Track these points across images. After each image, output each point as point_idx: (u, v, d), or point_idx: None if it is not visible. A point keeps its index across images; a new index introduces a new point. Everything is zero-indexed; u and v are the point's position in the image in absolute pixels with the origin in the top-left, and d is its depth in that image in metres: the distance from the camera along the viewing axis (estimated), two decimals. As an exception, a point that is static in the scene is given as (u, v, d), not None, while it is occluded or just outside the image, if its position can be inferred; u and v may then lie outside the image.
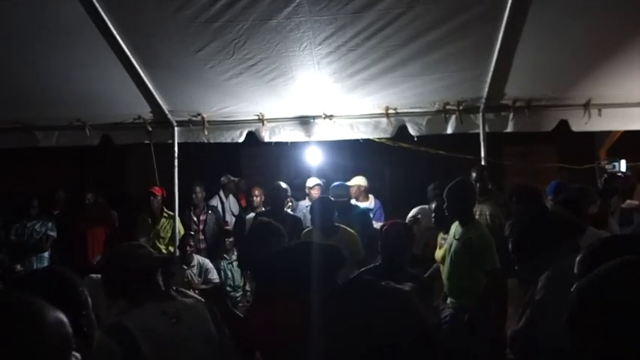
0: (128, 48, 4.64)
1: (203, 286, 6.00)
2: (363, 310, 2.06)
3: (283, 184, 5.84)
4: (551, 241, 2.44)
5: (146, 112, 5.63)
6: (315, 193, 6.56)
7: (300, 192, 7.13)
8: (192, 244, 6.21)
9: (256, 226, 3.36)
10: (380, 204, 6.88)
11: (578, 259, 1.71)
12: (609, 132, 7.76)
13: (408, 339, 2.02)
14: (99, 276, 4.28)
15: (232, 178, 7.63)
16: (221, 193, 7.44)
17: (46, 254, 6.42)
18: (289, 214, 5.78)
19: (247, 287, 6.32)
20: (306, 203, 6.71)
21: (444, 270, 4.37)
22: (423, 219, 5.59)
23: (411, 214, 5.76)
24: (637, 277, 1.20)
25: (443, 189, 5.71)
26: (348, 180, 6.49)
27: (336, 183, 5.96)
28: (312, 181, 6.77)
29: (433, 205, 5.68)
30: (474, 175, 5.39)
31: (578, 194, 4.53)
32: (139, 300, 2.34)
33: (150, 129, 5.74)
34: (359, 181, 6.69)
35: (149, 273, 2.42)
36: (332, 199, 5.38)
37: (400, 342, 2.00)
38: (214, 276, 6.22)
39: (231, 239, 6.68)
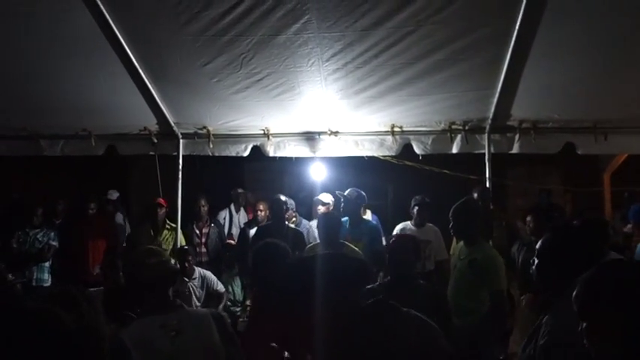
0: (136, 59, 4.66)
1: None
2: (387, 340, 2.02)
3: (283, 197, 5.78)
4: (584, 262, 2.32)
5: (152, 124, 5.64)
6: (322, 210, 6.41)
7: (303, 207, 7.10)
8: (190, 258, 6.14)
9: (260, 247, 3.27)
10: (377, 218, 6.87)
11: (574, 295, 1.66)
12: (613, 156, 7.78)
13: None
14: (97, 289, 4.29)
15: (241, 191, 7.62)
16: (232, 207, 7.42)
17: (47, 264, 6.40)
18: (291, 227, 5.73)
19: (248, 302, 6.27)
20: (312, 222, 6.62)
21: (448, 290, 4.34)
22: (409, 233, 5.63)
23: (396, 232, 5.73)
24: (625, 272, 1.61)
25: (422, 205, 5.77)
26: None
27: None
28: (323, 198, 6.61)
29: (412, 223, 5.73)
30: (475, 195, 5.39)
31: None
32: (142, 311, 2.30)
33: (155, 140, 5.75)
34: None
35: (158, 283, 2.37)
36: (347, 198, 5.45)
37: None
38: (219, 286, 6.15)
39: (229, 253, 6.65)
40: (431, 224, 5.87)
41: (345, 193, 5.63)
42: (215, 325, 2.39)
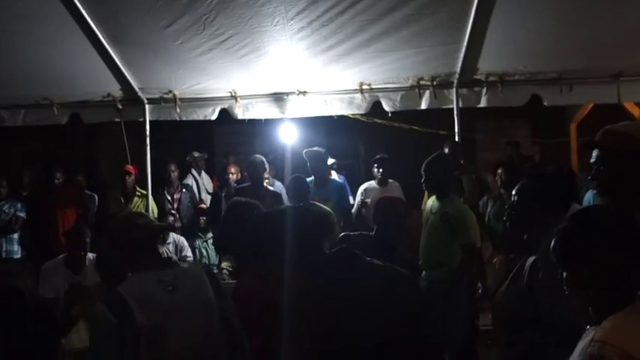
0: (95, 24, 4.51)
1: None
2: (348, 285, 2.08)
3: (260, 157, 5.72)
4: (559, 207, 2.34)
5: (116, 90, 5.50)
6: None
7: (274, 168, 7.07)
8: (171, 222, 6.17)
9: (231, 205, 3.30)
10: (344, 178, 6.91)
11: (552, 246, 1.68)
12: (579, 107, 7.89)
13: (391, 318, 2.05)
14: (57, 259, 4.36)
15: (199, 154, 7.54)
16: (193, 172, 7.36)
17: (15, 236, 6.29)
18: (269, 189, 5.68)
19: (223, 265, 6.30)
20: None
21: (421, 244, 4.42)
22: (373, 191, 5.75)
23: (358, 197, 5.79)
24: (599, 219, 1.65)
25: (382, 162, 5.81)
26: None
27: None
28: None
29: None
30: (446, 150, 5.44)
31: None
32: (137, 268, 2.32)
33: (120, 107, 5.62)
34: None
35: (149, 242, 2.41)
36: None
37: (382, 319, 2.03)
38: (189, 253, 6.20)
39: (205, 218, 6.64)
40: (392, 180, 5.94)
41: (312, 151, 5.63)
42: (209, 280, 2.43)
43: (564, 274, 1.65)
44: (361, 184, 6.22)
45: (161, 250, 5.71)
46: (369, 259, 2.24)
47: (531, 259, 2.33)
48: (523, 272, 2.38)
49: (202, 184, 7.32)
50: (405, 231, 3.98)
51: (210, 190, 7.36)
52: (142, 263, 2.33)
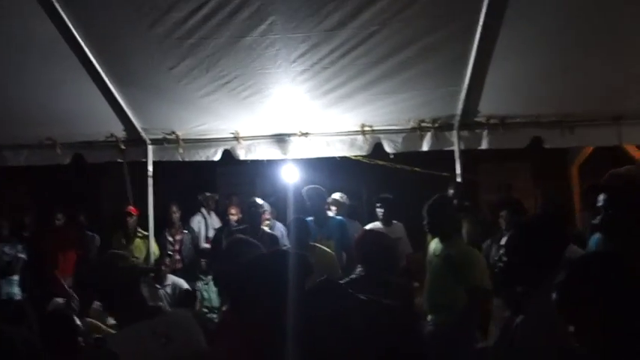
0: (100, 65, 4.58)
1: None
2: (328, 312, 2.08)
3: (260, 200, 5.71)
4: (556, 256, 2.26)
5: (119, 130, 5.55)
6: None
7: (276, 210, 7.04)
8: (167, 264, 6.11)
9: (231, 242, 3.29)
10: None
11: (554, 299, 1.64)
12: (580, 149, 7.90)
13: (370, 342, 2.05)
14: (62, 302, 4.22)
15: (209, 194, 7.56)
16: (203, 211, 7.36)
17: (16, 277, 6.23)
18: (266, 231, 5.67)
19: (224, 308, 6.20)
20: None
21: (425, 286, 4.35)
22: None
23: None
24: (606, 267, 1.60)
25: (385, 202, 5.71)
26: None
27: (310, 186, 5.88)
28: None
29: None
30: (450, 192, 5.41)
31: None
32: (127, 318, 2.26)
33: (123, 147, 5.65)
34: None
35: (131, 286, 2.35)
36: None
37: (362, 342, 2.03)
38: (186, 286, 6.12)
39: (206, 260, 6.59)
40: (395, 221, 5.90)
41: (312, 189, 5.62)
42: (199, 326, 2.42)
43: (571, 329, 1.59)
44: (364, 225, 6.18)
45: (159, 293, 5.67)
46: (351, 292, 2.26)
47: (520, 318, 2.24)
48: (511, 331, 2.29)
49: (211, 223, 7.32)
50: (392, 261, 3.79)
51: (219, 230, 7.34)
52: (128, 310, 2.27)
